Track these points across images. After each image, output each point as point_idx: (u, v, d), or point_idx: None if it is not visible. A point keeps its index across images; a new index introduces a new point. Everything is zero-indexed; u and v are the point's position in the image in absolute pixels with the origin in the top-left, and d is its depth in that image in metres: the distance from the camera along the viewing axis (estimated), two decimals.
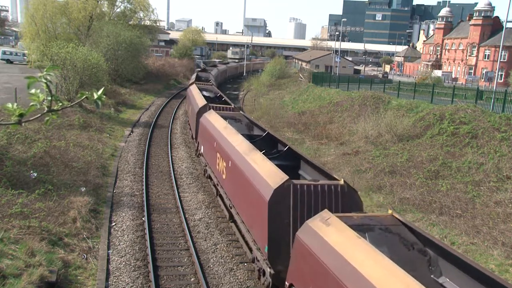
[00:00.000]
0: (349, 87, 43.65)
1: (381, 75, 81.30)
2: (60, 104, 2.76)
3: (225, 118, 19.49)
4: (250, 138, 16.96)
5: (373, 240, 8.70)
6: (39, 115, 2.83)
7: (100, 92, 2.81)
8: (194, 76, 42.37)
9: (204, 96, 28.06)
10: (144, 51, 54.53)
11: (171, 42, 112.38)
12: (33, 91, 2.69)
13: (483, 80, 65.14)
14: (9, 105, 2.75)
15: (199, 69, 56.00)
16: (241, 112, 22.76)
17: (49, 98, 2.69)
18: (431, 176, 20.25)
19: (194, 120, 24.64)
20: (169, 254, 13.84)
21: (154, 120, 34.74)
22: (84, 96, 2.81)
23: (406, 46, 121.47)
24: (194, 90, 30.78)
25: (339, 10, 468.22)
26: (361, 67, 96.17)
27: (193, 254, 13.64)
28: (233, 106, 24.60)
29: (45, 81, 2.66)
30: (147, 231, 14.98)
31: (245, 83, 68.75)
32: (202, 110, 22.91)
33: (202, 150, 20.90)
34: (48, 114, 2.72)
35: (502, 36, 34.88)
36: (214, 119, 19.17)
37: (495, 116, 23.95)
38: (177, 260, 13.51)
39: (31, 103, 2.73)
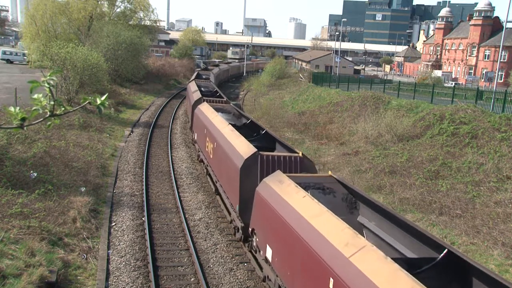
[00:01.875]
0: (349, 87, 43.67)
1: (362, 70, 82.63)
2: (63, 109, 2.76)
3: (305, 187, 11.06)
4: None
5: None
6: (41, 119, 2.83)
7: (103, 98, 2.82)
8: (195, 88, 30.51)
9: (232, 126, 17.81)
10: (144, 51, 54.52)
11: (171, 42, 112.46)
12: (35, 96, 2.69)
13: (483, 80, 65.14)
14: (11, 108, 2.76)
15: (197, 78, 42.51)
16: (334, 176, 12.33)
17: (52, 102, 2.70)
18: (431, 176, 20.26)
19: (235, 178, 13.98)
20: (169, 254, 13.85)
21: (154, 120, 34.74)
22: (87, 101, 2.82)
23: (406, 46, 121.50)
24: (211, 115, 20.15)
25: (339, 10, 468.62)
26: (361, 67, 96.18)
27: (193, 254, 13.65)
28: (301, 155, 14.00)
29: (48, 85, 2.67)
30: (147, 231, 14.99)
31: (245, 83, 68.81)
32: (251, 164, 13.30)
33: (269, 254, 11.24)
34: (50, 118, 2.72)
35: (502, 36, 34.89)
36: (298, 202, 9.97)
37: (495, 116, 23.95)
38: (177, 260, 13.51)
39: (34, 108, 2.74)
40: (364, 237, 8.79)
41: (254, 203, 12.40)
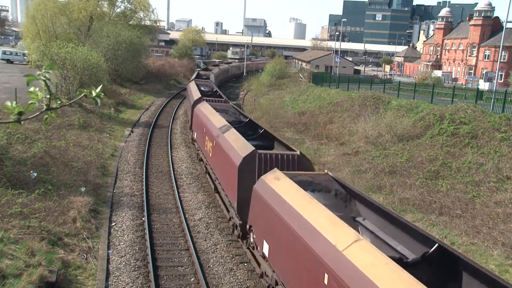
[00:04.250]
0: (349, 87, 43.65)
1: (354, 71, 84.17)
2: (59, 102, 2.76)
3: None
4: None
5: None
6: (38, 113, 2.82)
7: (98, 89, 2.81)
8: (215, 115, 20.51)
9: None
10: (144, 51, 54.51)
11: (171, 42, 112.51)
12: (31, 89, 2.69)
13: (483, 80, 65.08)
14: (8, 103, 2.75)
15: (205, 96, 28.31)
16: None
17: (48, 96, 2.69)
18: (431, 176, 20.24)
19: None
20: (169, 254, 13.84)
21: (154, 120, 34.74)
22: (83, 94, 2.81)
23: (406, 46, 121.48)
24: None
25: (339, 10, 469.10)
26: (361, 67, 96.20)
27: (193, 254, 13.64)
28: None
29: (43, 79, 2.66)
30: (147, 231, 14.97)
31: (245, 83, 68.84)
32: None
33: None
34: (47, 112, 2.72)
35: (502, 36, 34.88)
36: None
37: (495, 116, 23.94)
38: (177, 260, 13.50)
39: (30, 101, 2.73)
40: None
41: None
